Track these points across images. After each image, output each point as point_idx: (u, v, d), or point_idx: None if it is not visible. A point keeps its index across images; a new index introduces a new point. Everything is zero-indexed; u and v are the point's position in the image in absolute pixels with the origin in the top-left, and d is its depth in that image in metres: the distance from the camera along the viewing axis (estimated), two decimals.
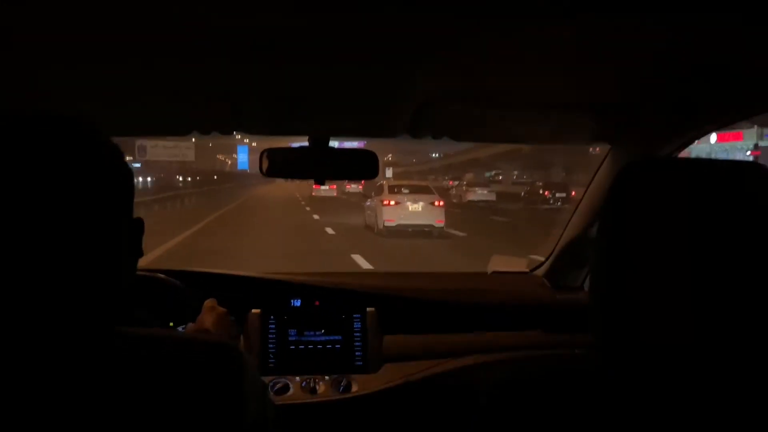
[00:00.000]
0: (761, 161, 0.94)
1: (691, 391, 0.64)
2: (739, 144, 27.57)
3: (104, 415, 0.60)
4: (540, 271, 2.06)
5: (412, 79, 1.20)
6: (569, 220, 1.94)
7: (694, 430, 0.64)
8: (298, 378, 1.70)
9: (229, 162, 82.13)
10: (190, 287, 1.62)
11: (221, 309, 1.39)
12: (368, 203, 16.96)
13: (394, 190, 15.40)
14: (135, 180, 0.71)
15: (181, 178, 37.40)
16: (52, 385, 0.60)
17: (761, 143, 27.15)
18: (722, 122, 1.46)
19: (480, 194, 27.35)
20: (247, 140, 55.45)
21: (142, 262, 0.83)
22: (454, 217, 16.87)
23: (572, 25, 0.92)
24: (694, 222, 0.63)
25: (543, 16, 0.89)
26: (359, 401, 1.68)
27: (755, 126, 26.30)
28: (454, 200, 26.44)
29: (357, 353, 1.76)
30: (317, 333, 1.77)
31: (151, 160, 30.94)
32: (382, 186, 15.92)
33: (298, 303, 1.80)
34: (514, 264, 2.15)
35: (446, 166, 64.72)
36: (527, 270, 2.12)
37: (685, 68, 1.15)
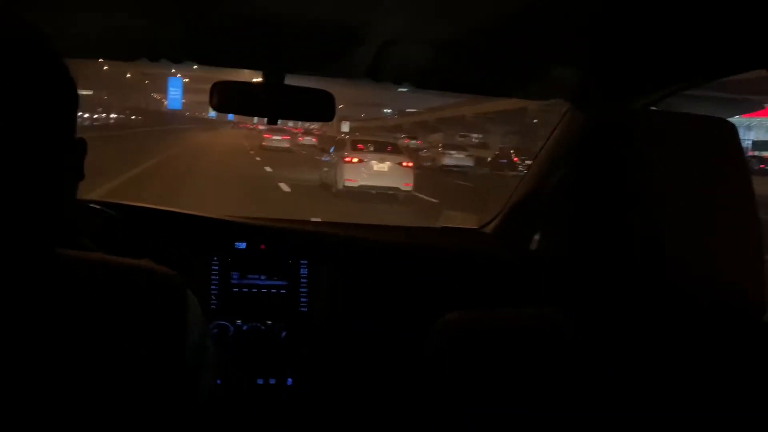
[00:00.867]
0: None
1: (652, 351, 0.66)
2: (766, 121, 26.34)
3: (44, 334, 0.59)
4: (488, 229, 2.08)
5: (375, 15, 1.21)
6: (521, 179, 2.00)
7: (651, 387, 0.66)
8: (239, 322, 1.67)
9: (165, 102, 78.45)
10: (129, 221, 1.64)
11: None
12: (325, 158, 15.32)
13: (357, 146, 13.89)
14: None
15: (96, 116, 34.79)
16: None
17: None
18: (691, 82, 1.42)
19: (457, 158, 25.81)
20: (180, 75, 51.75)
21: None
22: (425, 180, 15.52)
23: None
24: (666, 172, 0.64)
25: None
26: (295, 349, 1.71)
27: None
28: (427, 163, 25.06)
29: (302, 299, 1.73)
30: (261, 277, 1.73)
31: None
32: (343, 141, 14.36)
33: (243, 246, 1.75)
34: (465, 221, 2.27)
35: (398, 126, 62.85)
36: (476, 227, 2.15)
37: (651, 23, 1.10)
